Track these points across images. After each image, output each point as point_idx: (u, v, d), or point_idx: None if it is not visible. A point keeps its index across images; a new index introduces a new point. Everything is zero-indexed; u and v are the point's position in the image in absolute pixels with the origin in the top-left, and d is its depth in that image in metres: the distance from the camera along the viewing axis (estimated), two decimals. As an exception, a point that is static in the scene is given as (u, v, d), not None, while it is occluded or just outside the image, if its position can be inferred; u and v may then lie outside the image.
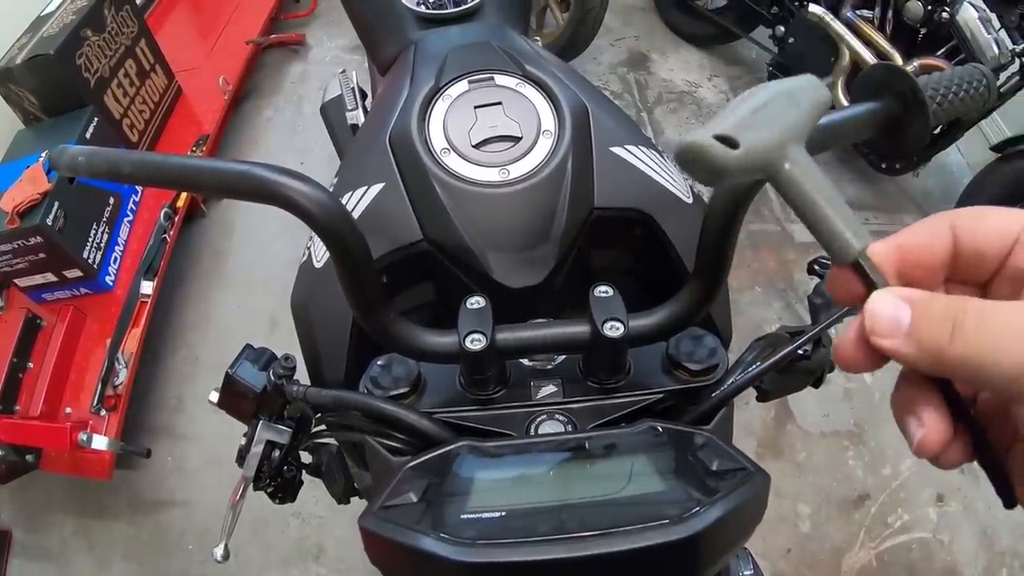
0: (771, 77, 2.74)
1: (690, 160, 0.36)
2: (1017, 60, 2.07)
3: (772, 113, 0.37)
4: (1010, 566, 1.83)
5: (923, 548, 1.85)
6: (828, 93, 0.39)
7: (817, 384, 0.75)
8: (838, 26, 2.36)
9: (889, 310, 0.33)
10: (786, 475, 1.95)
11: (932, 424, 0.35)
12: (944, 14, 2.12)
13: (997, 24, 2.08)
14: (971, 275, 0.35)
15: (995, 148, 2.13)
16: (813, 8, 2.40)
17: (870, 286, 0.35)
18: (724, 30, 2.95)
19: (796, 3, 2.52)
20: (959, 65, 2.09)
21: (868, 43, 2.33)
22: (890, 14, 2.31)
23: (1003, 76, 2.12)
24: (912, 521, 1.89)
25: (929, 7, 2.16)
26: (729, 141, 0.35)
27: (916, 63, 2.22)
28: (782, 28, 2.62)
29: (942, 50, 2.21)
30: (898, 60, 2.26)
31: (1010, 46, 2.07)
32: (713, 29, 3.03)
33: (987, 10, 2.07)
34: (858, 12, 2.36)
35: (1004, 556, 1.84)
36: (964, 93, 0.71)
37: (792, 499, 1.91)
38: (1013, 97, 2.12)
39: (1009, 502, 0.35)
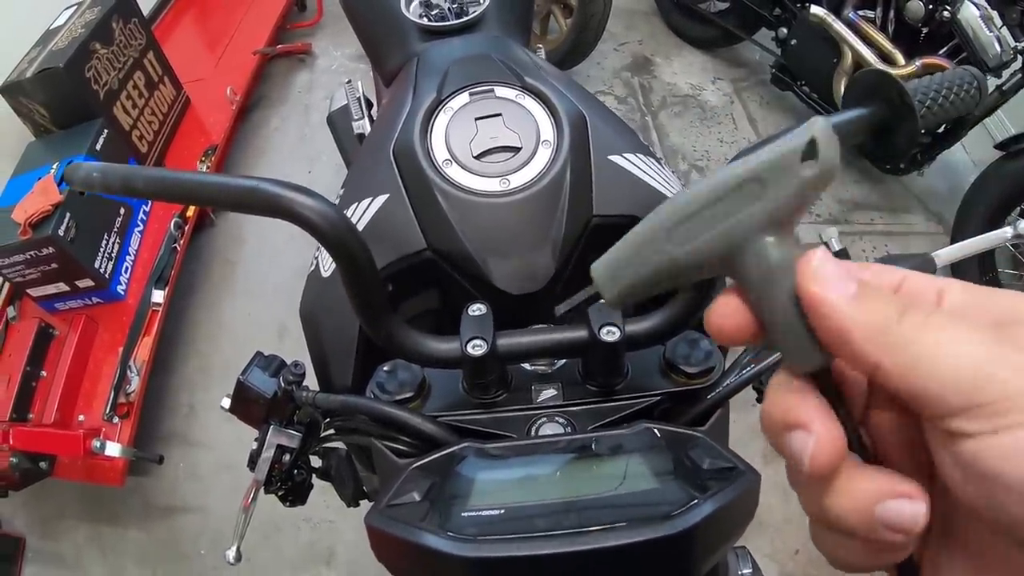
0: (774, 79, 2.75)
1: None
2: (1019, 57, 2.08)
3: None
4: (1019, 564, 1.83)
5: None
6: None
7: (817, 385, 0.76)
8: (840, 27, 2.36)
9: (832, 269, 0.29)
10: (793, 475, 1.95)
11: (824, 429, 0.29)
12: (945, 13, 2.12)
13: (999, 22, 2.08)
14: None
15: (999, 146, 2.13)
16: (815, 9, 2.41)
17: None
18: (727, 33, 2.96)
19: (798, 4, 2.53)
20: (961, 64, 2.12)
21: (870, 43, 2.34)
22: (891, 14, 2.31)
23: (1006, 74, 2.12)
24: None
25: (930, 6, 2.16)
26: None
27: (918, 62, 2.23)
28: (784, 30, 2.63)
29: (944, 49, 2.21)
30: (900, 60, 2.27)
31: (1012, 43, 2.08)
32: (716, 32, 3.04)
33: (988, 8, 2.08)
34: (860, 12, 2.37)
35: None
36: (954, 96, 0.72)
37: (800, 499, 1.91)
38: (1017, 94, 2.12)
39: None
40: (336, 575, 1.83)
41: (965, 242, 0.78)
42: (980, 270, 2.21)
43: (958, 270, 2.22)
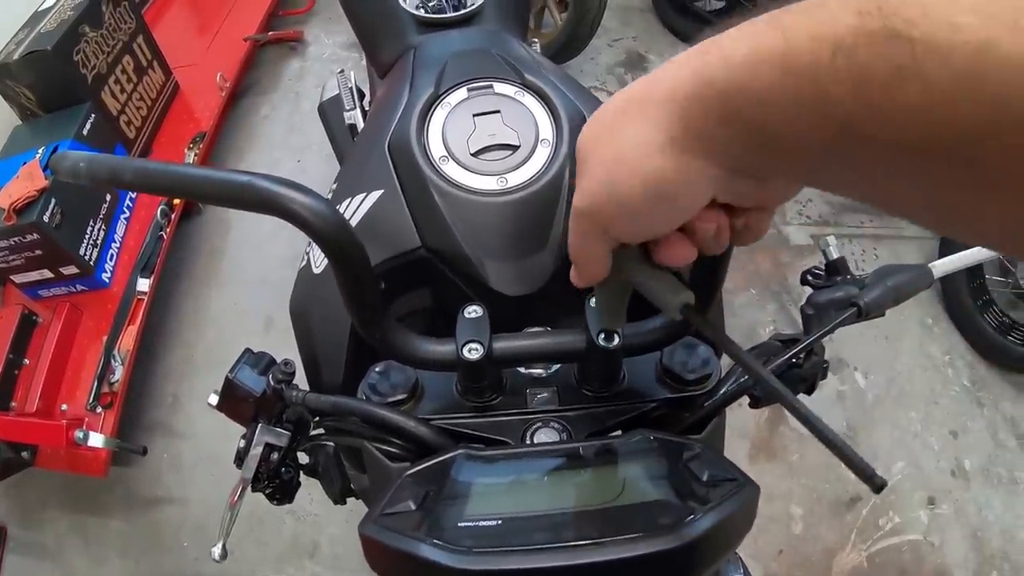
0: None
1: None
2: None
3: None
4: (1000, 568, 1.84)
5: (914, 550, 1.87)
6: None
7: (810, 391, 0.76)
8: (835, 30, 2.36)
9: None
10: (779, 476, 1.96)
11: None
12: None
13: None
14: None
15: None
16: (810, 12, 2.40)
17: None
18: (722, 32, 2.94)
19: (794, 6, 2.52)
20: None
21: (864, 48, 2.33)
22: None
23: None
24: (903, 523, 1.91)
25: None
26: None
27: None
28: (779, 31, 2.62)
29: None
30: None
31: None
32: (711, 31, 3.02)
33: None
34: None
35: (994, 559, 1.86)
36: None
37: (784, 500, 1.92)
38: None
39: None
40: (320, 568, 1.82)
41: (960, 254, 0.78)
42: (968, 277, 2.22)
43: (946, 276, 2.23)
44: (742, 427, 2.05)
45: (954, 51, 0.26)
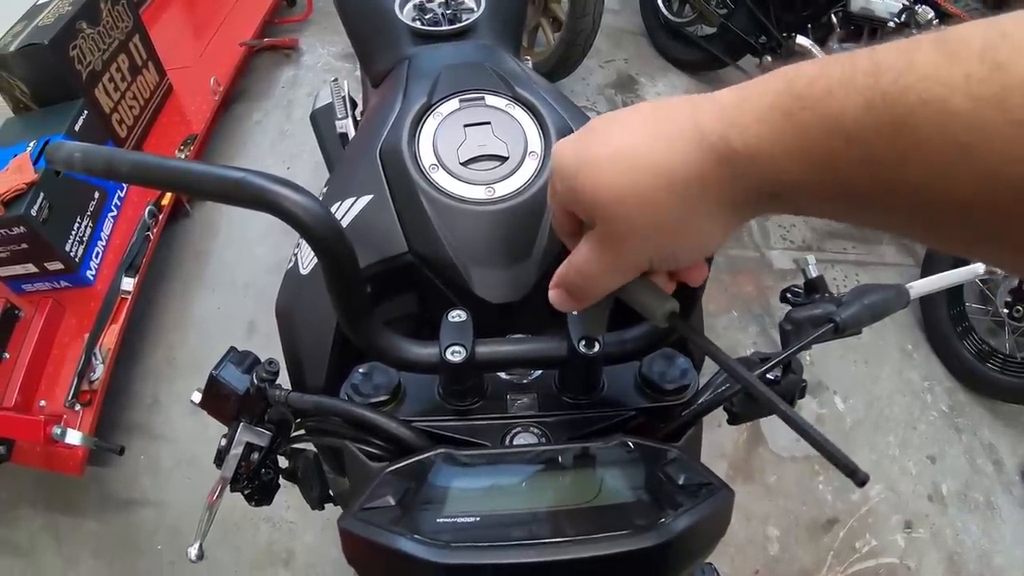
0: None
1: None
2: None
3: None
4: (977, 593, 1.86)
5: (891, 573, 1.88)
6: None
7: (788, 409, 0.77)
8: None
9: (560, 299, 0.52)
10: (756, 498, 1.98)
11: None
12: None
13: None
14: None
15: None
16: (800, 39, 2.45)
17: None
18: (712, 57, 2.99)
19: (784, 34, 2.56)
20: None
21: (853, 76, 2.37)
22: (875, 49, 2.35)
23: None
24: (880, 546, 1.93)
25: (913, 44, 2.20)
26: None
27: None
28: (769, 58, 2.66)
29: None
30: (881, 94, 2.30)
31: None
32: (701, 55, 3.07)
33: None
34: (844, 45, 2.41)
35: (971, 582, 1.88)
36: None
37: (761, 521, 1.93)
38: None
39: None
40: (294, 576, 1.81)
41: (938, 276, 0.80)
42: (948, 304, 2.25)
43: (927, 303, 2.27)
44: (720, 448, 2.06)
45: (950, 133, 0.30)
